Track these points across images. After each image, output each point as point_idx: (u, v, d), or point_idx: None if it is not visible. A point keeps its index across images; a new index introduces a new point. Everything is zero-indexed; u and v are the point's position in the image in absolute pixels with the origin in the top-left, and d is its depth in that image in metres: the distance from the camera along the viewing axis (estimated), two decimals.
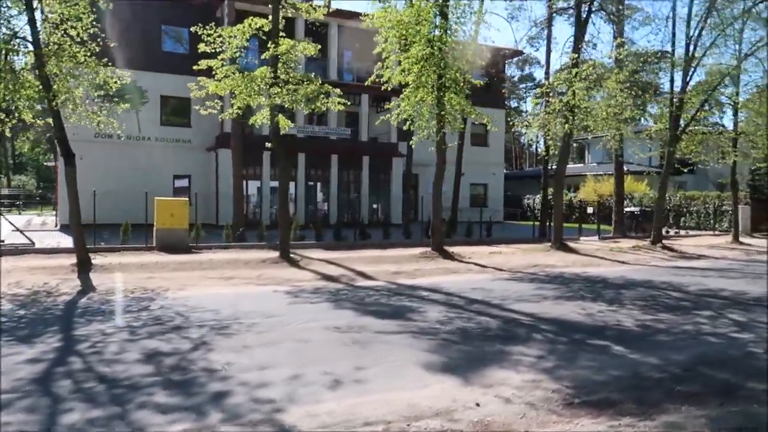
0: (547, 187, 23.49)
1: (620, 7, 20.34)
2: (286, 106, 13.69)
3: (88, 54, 12.26)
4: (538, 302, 9.42)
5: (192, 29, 13.64)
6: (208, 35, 13.47)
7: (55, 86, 12.14)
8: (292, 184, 28.15)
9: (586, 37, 20.47)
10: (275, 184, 27.82)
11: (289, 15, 16.47)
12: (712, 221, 29.09)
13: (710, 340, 7.08)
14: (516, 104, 65.77)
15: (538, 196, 39.90)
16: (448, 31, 15.24)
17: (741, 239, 24.19)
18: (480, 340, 6.86)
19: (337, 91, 14.50)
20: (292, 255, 15.21)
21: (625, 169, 36.94)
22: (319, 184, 29.04)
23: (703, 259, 17.39)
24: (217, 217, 25.56)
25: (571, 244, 19.89)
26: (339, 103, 14.51)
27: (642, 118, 21.30)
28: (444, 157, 16.33)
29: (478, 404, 4.73)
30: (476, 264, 15.04)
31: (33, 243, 15.55)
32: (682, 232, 27.91)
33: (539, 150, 74.48)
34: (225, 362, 5.74)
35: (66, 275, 11.66)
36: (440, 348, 6.48)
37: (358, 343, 6.56)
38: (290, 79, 13.85)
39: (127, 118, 26.47)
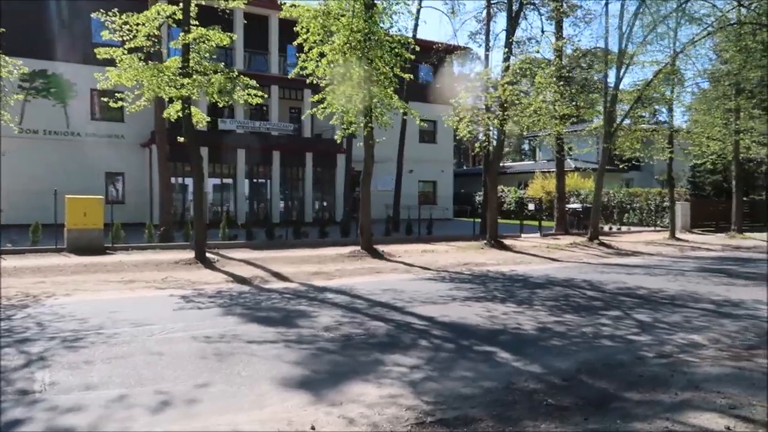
0: (486, 184, 23.20)
1: (556, 2, 20.10)
2: (193, 97, 12.89)
3: None
4: (444, 304, 8.95)
5: (93, 15, 12.69)
6: (112, 22, 12.56)
7: None
8: (231, 181, 27.36)
9: (528, 34, 20.36)
10: (215, 181, 27.25)
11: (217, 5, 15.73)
12: (654, 218, 29.39)
13: (605, 343, 6.70)
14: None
15: None
16: (377, 22, 14.66)
17: (680, 235, 24.44)
18: (359, 348, 6.32)
19: (252, 82, 13.73)
20: (210, 256, 14.46)
21: (572, 165, 37.42)
22: (260, 181, 28.21)
23: (636, 256, 17.32)
24: (152, 216, 24.48)
25: (508, 242, 19.64)
26: (255, 95, 13.75)
27: (577, 116, 21.12)
28: (371, 152, 15.77)
29: (313, 427, 4.17)
30: (403, 263, 14.56)
31: None
32: (624, 229, 28.11)
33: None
34: (49, 382, 5.04)
35: None
36: (309, 359, 5.90)
37: (219, 356, 5.93)
38: (202, 70, 13.06)
39: (55, 112, 25.33)
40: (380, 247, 17.00)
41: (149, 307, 8.65)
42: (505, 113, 16.60)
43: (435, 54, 24.76)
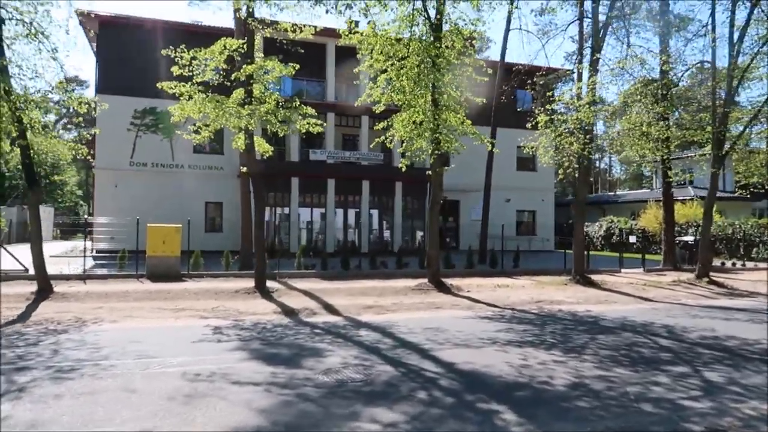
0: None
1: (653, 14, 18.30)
2: (251, 128, 13.01)
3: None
4: (479, 348, 7.98)
5: (163, 52, 13.30)
6: (181, 58, 13.07)
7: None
8: (318, 211, 27.70)
9: (635, 51, 18.64)
10: (305, 210, 27.74)
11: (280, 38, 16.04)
12: None
13: (645, 409, 5.47)
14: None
15: (597, 224, 37.39)
16: (441, 46, 14.10)
17: None
18: (344, 397, 5.63)
19: (310, 110, 13.62)
20: (273, 285, 14.47)
21: (692, 193, 33.92)
22: (349, 211, 28.30)
23: (750, 298, 14.92)
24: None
25: (599, 277, 17.87)
26: (314, 124, 13.64)
27: (688, 139, 18.88)
28: (440, 180, 15.02)
29: None
30: (469, 298, 13.59)
31: (26, 269, 15.64)
32: (750, 265, 24.72)
33: (614, 174, 70.49)
34: (4, 416, 4.90)
35: (18, 303, 11.42)
36: (279, 407, 5.32)
37: (188, 397, 5.53)
38: (263, 100, 13.21)
39: (162, 146, 27.24)
40: (451, 281, 16.10)
41: (174, 337, 8.55)
42: (587, 137, 15.17)
43: (523, 77, 23.50)
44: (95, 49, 27.48)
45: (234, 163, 27.74)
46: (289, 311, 11.29)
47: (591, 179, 19.62)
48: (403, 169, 14.88)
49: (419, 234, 29.29)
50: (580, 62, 17.74)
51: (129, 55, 25.74)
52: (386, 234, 28.84)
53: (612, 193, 51.29)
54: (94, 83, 27.81)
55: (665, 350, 8.09)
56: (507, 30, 23.26)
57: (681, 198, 32.62)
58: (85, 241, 19.43)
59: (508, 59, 25.23)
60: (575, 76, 18.83)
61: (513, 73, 21.31)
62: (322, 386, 5.98)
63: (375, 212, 28.66)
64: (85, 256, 17.68)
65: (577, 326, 10.01)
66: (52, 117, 48.15)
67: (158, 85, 12.93)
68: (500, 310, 11.92)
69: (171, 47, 13.09)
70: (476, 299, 13.47)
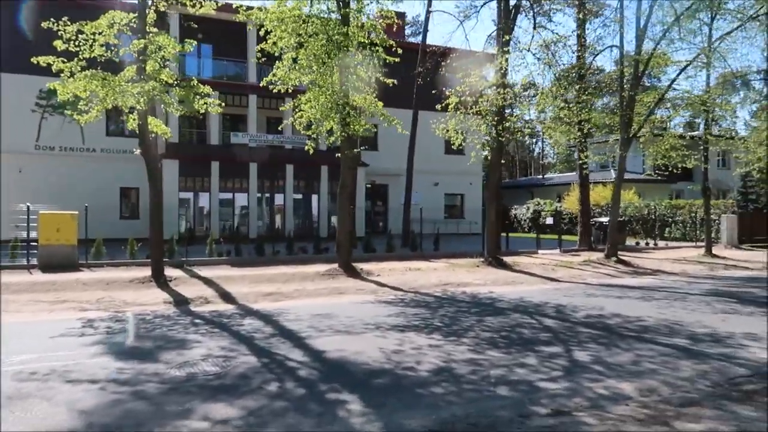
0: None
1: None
2: (138, 107, 12.24)
3: None
4: (359, 334, 7.74)
5: (44, 25, 12.31)
6: (65, 32, 12.12)
7: None
8: (243, 196, 26.91)
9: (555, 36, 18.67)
10: (226, 195, 26.89)
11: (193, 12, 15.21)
12: (697, 232, 26.82)
13: (500, 393, 5.34)
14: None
15: (525, 206, 38.12)
16: (348, 24, 13.70)
17: (722, 251, 22.10)
18: (185, 392, 5.23)
19: (207, 89, 12.97)
20: (172, 273, 13.83)
21: (613, 176, 35.00)
22: (273, 196, 27.64)
23: (653, 276, 15.43)
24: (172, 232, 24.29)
25: (512, 258, 18.08)
26: (213, 104, 13.01)
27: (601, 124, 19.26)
28: (348, 163, 14.69)
29: None
30: (377, 283, 13.40)
31: None
32: (662, 244, 25.73)
33: (547, 158, 71.99)
34: None
35: None
36: (104, 407, 4.87)
37: (9, 399, 4.99)
38: (160, 78, 12.46)
39: (71, 128, 25.66)
40: (366, 265, 15.89)
41: (34, 332, 7.90)
42: (496, 119, 15.16)
43: (438, 59, 23.37)
44: None
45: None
46: (180, 301, 10.75)
47: (503, 161, 19.71)
48: (311, 152, 14.45)
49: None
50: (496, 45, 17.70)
51: (31, 31, 23.99)
52: (314, 218, 28.36)
53: (541, 177, 52.42)
54: None
55: (546, 330, 8.09)
56: (428, 11, 23.05)
57: (602, 180, 33.58)
58: None
59: (439, 43, 25.05)
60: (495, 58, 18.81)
61: (428, 54, 21.10)
62: (169, 381, 5.56)
63: (300, 197, 28.11)
64: None
65: (470, 308, 9.95)
66: None
67: (33, 60, 11.94)
68: (403, 294, 11.77)
69: (52, 20, 12.12)
70: (383, 283, 13.28)
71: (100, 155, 26.04)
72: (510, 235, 29.06)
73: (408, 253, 20.46)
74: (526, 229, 36.30)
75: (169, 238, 18.71)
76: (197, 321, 8.68)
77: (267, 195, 27.63)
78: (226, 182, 26.56)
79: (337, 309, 9.73)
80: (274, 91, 14.00)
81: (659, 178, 35.23)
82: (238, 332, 7.85)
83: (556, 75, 15.89)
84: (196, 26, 14.50)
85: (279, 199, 27.60)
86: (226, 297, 11.25)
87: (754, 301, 10.88)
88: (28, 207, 15.30)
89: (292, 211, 27.51)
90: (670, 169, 22.04)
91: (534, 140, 67.24)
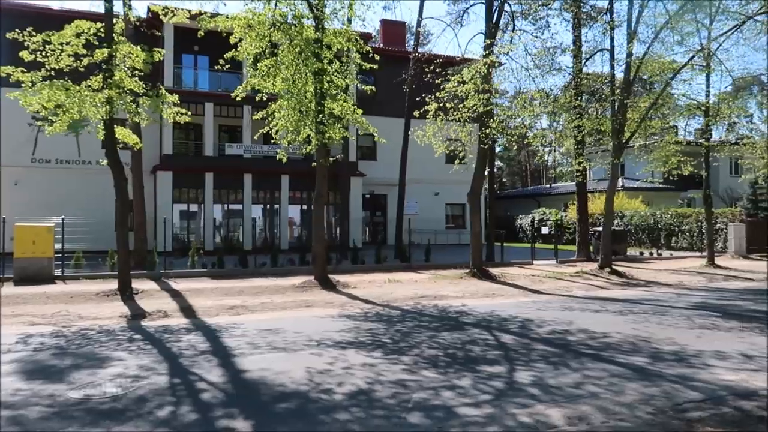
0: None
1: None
2: (100, 116, 12.02)
3: None
4: (295, 351, 7.28)
5: (9, 36, 12.18)
6: (32, 42, 11.97)
7: None
8: (236, 207, 26.70)
9: (554, 43, 18.26)
10: (221, 207, 26.69)
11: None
12: (703, 241, 25.91)
13: (410, 420, 4.84)
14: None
15: (530, 216, 37.39)
16: (323, 30, 13.39)
17: (727, 262, 21.28)
18: (67, 417, 4.84)
19: (174, 98, 12.72)
20: (149, 285, 13.58)
21: (621, 184, 34.17)
22: (268, 207, 27.37)
23: (645, 287, 14.74)
24: (156, 244, 24.14)
25: (502, 270, 17.53)
26: (180, 113, 12.75)
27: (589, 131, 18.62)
28: (324, 172, 14.32)
29: None
30: (349, 295, 12.94)
31: None
32: (666, 254, 24.90)
33: (560, 168, 70.98)
34: None
35: None
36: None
37: None
38: (127, 87, 12.24)
39: (67, 141, 25.73)
40: (343, 277, 15.47)
41: None
42: (482, 126, 14.69)
43: (425, 66, 23.00)
44: None
45: (148, 159, 26.46)
46: (137, 315, 10.40)
47: (489, 169, 19.18)
48: (284, 161, 14.09)
49: (338, 229, 28.59)
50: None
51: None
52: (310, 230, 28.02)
53: (548, 186, 51.60)
54: None
55: (499, 348, 7.56)
56: (420, 18, 22.69)
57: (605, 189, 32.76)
58: None
59: (440, 52, 24.63)
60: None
61: (412, 61, 20.66)
62: (58, 405, 5.17)
63: (296, 207, 27.81)
64: None
65: (431, 323, 9.44)
66: None
67: (5, 70, 11.76)
68: (371, 307, 11.30)
69: (17, 30, 11.98)
70: (356, 296, 12.83)
71: (96, 167, 25.91)
72: (512, 245, 28.50)
73: (398, 264, 19.97)
74: (530, 239, 35.55)
75: (151, 250, 18.53)
76: (136, 337, 8.31)
77: (262, 206, 27.36)
78: (221, 193, 26.37)
79: (291, 324, 9.30)
80: (237, 99, 13.71)
81: (664, 186, 34.38)
82: (170, 349, 7.46)
83: (539, 87, 15.40)
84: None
85: (273, 210, 27.33)
86: (187, 311, 10.88)
87: (739, 315, 10.20)
88: (3, 220, 15.15)
89: (287, 222, 27.22)
90: (675, 176, 21.32)
91: (547, 149, 66.43)
